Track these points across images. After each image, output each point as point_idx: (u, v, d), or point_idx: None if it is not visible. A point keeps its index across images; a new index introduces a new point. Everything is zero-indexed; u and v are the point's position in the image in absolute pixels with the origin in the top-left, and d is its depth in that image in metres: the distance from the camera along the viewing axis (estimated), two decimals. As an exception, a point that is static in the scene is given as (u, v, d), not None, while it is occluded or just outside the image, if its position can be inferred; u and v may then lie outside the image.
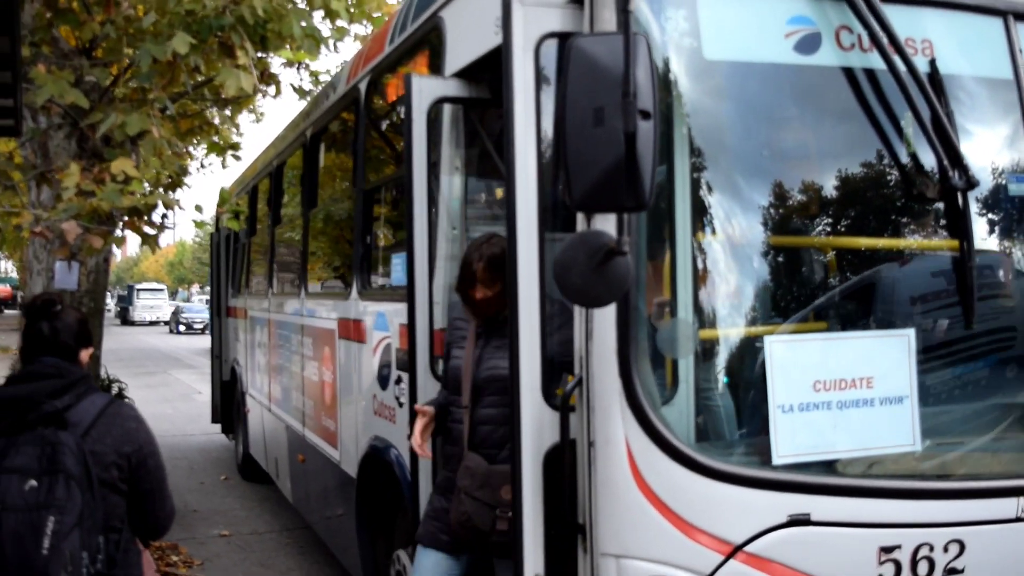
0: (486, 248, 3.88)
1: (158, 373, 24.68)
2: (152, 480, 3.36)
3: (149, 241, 7.43)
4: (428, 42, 4.78)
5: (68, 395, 3.19)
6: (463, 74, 4.20)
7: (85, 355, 3.43)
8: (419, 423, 4.01)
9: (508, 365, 3.33)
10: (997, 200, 3.58)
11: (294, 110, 8.75)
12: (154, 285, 60.39)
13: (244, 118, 11.83)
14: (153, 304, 56.57)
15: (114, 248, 8.70)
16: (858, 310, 3.52)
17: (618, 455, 3.05)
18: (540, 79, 3.26)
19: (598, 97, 2.61)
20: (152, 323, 55.13)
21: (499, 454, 3.79)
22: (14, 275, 59.09)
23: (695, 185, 3.24)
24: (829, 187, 3.48)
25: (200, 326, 46.57)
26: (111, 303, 62.76)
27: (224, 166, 10.54)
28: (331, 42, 8.28)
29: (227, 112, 9.87)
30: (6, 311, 63.80)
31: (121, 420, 3.30)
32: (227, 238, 11.98)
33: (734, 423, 3.30)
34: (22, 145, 8.93)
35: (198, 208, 8.06)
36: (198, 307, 52.33)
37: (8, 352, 27.78)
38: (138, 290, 56.84)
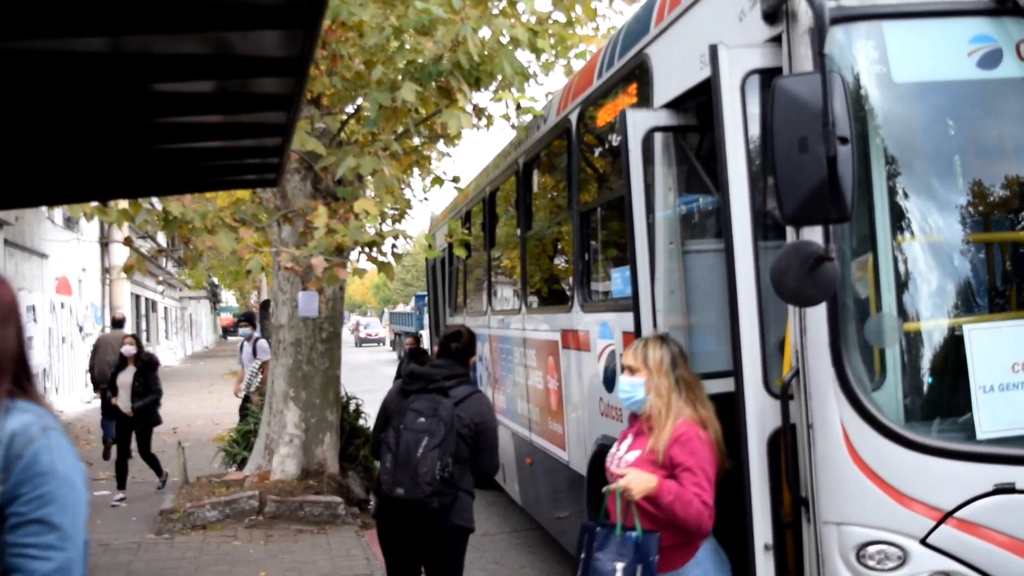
0: None
1: (376, 391, 25.81)
2: (487, 442, 5.23)
3: (385, 269, 8.19)
4: (635, 76, 5.28)
5: (453, 380, 5.20)
6: (671, 104, 4.67)
7: (471, 360, 5.52)
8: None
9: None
10: None
11: (491, 135, 9.33)
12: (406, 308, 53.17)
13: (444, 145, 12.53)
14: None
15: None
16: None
17: (835, 435, 3.46)
18: (746, 109, 3.72)
19: (801, 128, 3.07)
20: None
21: None
22: (235, 305, 62.30)
23: (892, 194, 3.60)
24: (1015, 188, 3.76)
25: (375, 339, 55.65)
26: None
27: (426, 190, 11.25)
28: (537, 76, 8.86)
29: (439, 146, 10.60)
30: (230, 338, 67.74)
31: (478, 403, 5.25)
32: (441, 261, 12.59)
33: (938, 403, 3.64)
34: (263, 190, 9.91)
35: (427, 238, 8.77)
36: (374, 323, 60.57)
37: (238, 375, 29.37)
38: (391, 314, 53.05)
